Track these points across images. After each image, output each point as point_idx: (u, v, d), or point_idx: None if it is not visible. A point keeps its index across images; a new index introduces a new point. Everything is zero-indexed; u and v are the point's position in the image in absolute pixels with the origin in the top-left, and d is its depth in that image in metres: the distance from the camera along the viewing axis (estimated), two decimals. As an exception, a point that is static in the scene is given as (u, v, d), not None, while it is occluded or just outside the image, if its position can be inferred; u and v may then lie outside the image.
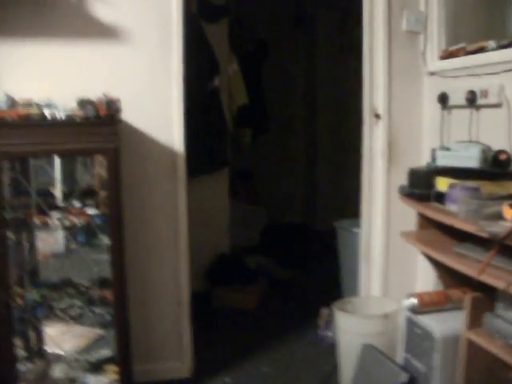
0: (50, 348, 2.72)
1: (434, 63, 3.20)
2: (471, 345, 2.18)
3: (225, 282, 4.36)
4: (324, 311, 3.58)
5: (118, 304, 2.53)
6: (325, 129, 6.38)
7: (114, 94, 2.52)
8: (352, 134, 3.84)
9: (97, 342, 2.75)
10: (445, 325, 2.39)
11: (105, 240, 2.55)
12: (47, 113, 2.36)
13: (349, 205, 3.91)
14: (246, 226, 5.41)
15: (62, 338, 2.71)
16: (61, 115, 2.36)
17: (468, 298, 2.18)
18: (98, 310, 2.61)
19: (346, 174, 5.28)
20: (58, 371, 2.62)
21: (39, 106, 2.37)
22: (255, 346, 3.51)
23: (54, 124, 2.37)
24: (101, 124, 2.42)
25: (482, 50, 2.79)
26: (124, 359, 2.57)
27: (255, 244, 5.51)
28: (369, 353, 2.70)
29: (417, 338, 2.49)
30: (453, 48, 3.06)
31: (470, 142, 2.68)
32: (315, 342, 3.55)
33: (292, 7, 6.43)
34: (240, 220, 5.16)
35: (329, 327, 3.46)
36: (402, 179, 2.77)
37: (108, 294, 2.57)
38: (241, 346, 3.54)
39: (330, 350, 3.27)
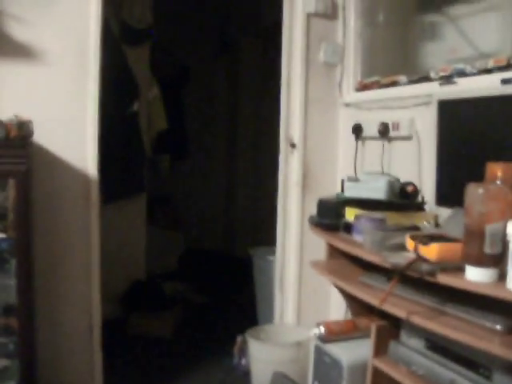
0: None
1: (350, 95, 3.30)
2: (377, 372, 2.22)
3: (140, 308, 4.26)
4: (239, 339, 3.57)
5: (23, 332, 2.43)
6: (245, 155, 6.43)
7: (26, 115, 2.46)
8: (271, 161, 3.88)
9: (-1, 374, 2.63)
10: (352, 353, 2.42)
11: (14, 265, 2.45)
12: (-48, 133, 2.27)
13: (268, 232, 3.94)
14: (163, 251, 5.35)
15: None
16: (-33, 135, 2.28)
17: (374, 326, 2.24)
18: (0, 339, 2.51)
19: (266, 201, 5.32)
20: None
21: None
22: (169, 374, 3.45)
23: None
24: (10, 146, 2.35)
25: (394, 84, 2.91)
26: (29, 391, 2.46)
27: (173, 270, 5.45)
28: (279, 381, 2.70)
29: (325, 367, 2.51)
30: (367, 81, 3.16)
31: (380, 173, 2.76)
32: (230, 369, 3.53)
33: (217, 33, 6.50)
34: (158, 246, 5.09)
35: (243, 355, 3.46)
36: (316, 208, 2.81)
37: (13, 321, 2.47)
38: (154, 374, 3.47)
39: (243, 378, 3.27)
